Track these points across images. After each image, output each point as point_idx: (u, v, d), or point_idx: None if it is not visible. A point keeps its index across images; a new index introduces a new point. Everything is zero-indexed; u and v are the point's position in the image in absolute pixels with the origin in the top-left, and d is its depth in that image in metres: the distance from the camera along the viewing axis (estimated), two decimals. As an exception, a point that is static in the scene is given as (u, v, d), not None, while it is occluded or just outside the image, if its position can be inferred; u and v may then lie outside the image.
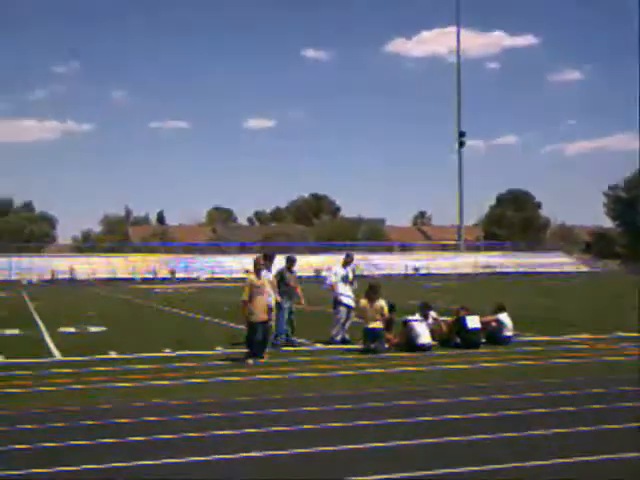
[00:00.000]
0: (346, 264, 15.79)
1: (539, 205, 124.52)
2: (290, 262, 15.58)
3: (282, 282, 14.81)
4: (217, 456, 6.53)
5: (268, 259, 14.49)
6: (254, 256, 14.04)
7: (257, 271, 13.24)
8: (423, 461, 6.38)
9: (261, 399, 9.16)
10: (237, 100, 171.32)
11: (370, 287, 14.21)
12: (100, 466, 6.27)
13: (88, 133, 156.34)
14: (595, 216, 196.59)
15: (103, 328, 19.39)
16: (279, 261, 15.33)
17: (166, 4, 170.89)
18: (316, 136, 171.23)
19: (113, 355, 13.70)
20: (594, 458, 6.36)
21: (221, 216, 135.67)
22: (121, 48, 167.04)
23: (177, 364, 12.36)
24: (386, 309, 14.02)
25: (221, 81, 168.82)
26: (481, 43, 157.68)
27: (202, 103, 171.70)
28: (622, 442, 6.95)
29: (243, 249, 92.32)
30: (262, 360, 12.63)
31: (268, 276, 13.98)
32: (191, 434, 7.36)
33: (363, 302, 14.04)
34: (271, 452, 6.67)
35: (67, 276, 69.02)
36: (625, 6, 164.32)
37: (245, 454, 6.59)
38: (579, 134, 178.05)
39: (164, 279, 70.45)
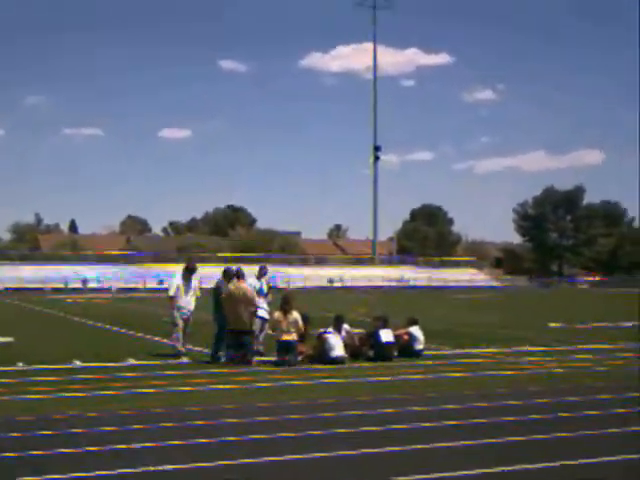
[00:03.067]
0: (260, 276, 15.78)
1: (451, 221, 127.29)
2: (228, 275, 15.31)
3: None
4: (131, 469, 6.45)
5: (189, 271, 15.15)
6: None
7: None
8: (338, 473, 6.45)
9: (179, 410, 9.07)
10: (153, 109, 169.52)
11: (284, 299, 14.20)
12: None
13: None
14: (505, 232, 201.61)
15: (10, 339, 18.84)
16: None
17: (85, 10, 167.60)
18: (232, 147, 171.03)
19: (20, 366, 13.33)
20: (493, 470, 6.56)
21: (135, 226, 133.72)
22: (36, 52, 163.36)
23: (85, 376, 12.11)
24: (300, 322, 14.07)
25: (137, 89, 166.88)
26: (397, 60, 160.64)
27: (117, 111, 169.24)
28: (528, 452, 7.18)
29: (157, 259, 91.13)
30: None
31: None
32: (115, 446, 7.25)
33: (277, 314, 14.03)
34: (194, 464, 6.63)
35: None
36: (539, 25, 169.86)
37: (167, 466, 6.53)
38: (491, 152, 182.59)
39: (76, 289, 68.89)
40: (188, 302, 15.01)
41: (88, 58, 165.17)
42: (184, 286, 15.01)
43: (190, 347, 15.23)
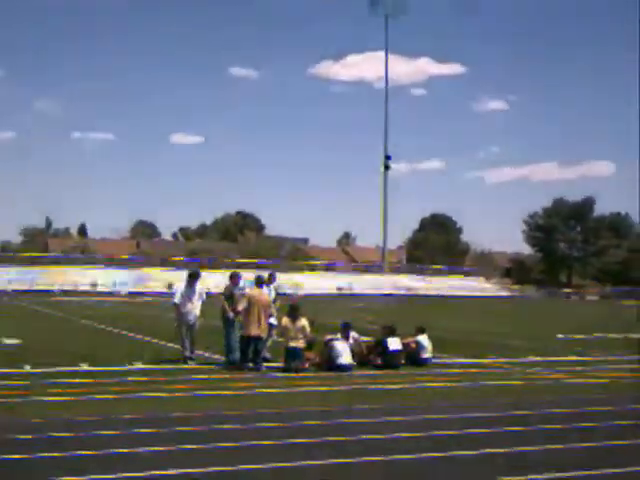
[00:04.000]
0: (269, 282, 15.78)
1: (460, 230, 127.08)
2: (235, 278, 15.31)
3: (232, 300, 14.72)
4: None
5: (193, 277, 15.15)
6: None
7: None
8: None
9: (179, 416, 9.08)
10: (164, 114, 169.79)
11: (292, 307, 14.27)
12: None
13: (8, 141, 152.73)
14: (515, 243, 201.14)
15: (18, 341, 18.88)
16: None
17: (96, 12, 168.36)
18: (242, 154, 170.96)
19: (28, 369, 13.36)
20: None
21: (145, 231, 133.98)
22: (46, 56, 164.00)
23: (92, 380, 12.12)
24: (308, 329, 14.08)
25: (148, 95, 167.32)
26: (408, 70, 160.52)
27: (128, 116, 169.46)
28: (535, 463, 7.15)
29: (166, 264, 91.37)
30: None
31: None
32: (119, 450, 7.26)
33: (285, 321, 14.07)
34: (189, 470, 6.62)
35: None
36: (552, 36, 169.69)
37: (157, 472, 6.53)
38: (502, 162, 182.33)
39: (85, 292, 69.04)
40: (193, 308, 15.07)
41: (98, 61, 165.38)
42: (188, 293, 15.10)
43: (202, 352, 15.25)
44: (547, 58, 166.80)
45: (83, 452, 7.18)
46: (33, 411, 9.29)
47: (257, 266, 78.03)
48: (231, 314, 14.41)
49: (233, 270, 16.76)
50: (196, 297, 15.13)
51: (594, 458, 7.41)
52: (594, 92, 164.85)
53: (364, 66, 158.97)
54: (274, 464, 6.87)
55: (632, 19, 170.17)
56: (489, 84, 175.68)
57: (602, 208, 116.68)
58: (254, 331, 13.89)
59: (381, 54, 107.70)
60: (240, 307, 14.13)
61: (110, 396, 10.57)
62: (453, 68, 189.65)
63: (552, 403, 10.63)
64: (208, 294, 15.48)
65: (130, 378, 12.41)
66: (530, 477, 6.60)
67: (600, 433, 8.63)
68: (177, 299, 15.08)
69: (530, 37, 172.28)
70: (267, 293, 14.69)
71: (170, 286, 69.80)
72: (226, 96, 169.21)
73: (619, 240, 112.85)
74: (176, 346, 15.83)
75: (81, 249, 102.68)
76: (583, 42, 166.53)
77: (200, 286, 15.32)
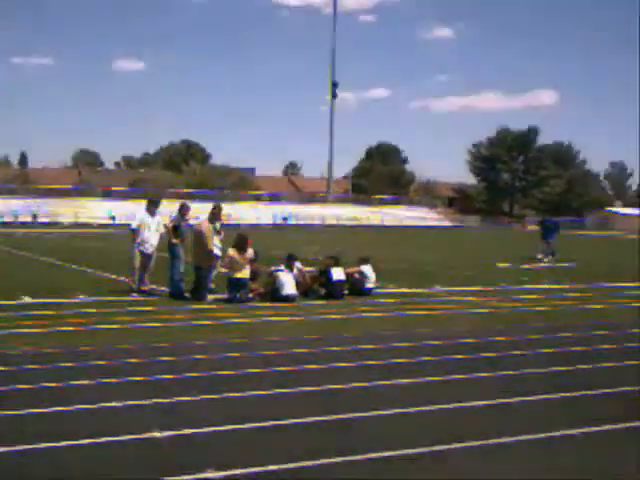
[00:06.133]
0: (214, 215, 15.67)
1: (406, 160, 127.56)
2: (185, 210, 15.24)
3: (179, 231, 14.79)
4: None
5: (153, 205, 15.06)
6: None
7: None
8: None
9: (113, 348, 9.11)
10: (106, 39, 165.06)
11: (239, 237, 14.23)
12: None
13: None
14: (459, 173, 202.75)
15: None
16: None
17: None
18: (187, 81, 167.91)
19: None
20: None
21: (87, 160, 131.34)
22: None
23: (35, 312, 12.03)
24: (253, 256, 14.23)
25: (89, 18, 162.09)
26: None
27: (69, 40, 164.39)
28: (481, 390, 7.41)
29: (109, 194, 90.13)
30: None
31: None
32: (49, 384, 7.27)
33: (231, 252, 14.01)
34: (129, 402, 6.70)
35: None
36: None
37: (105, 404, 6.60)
38: (448, 91, 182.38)
39: (25, 223, 67.84)
40: (151, 237, 14.86)
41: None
42: (148, 221, 14.83)
43: (154, 287, 15.15)
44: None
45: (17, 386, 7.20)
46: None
47: (202, 197, 77.49)
48: (175, 241, 14.48)
49: (182, 201, 16.56)
50: (154, 226, 14.89)
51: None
52: (540, 19, 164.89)
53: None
54: (204, 396, 6.99)
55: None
56: (436, 11, 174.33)
57: (546, 139, 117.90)
58: (204, 261, 14.19)
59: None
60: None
61: (40, 330, 10.51)
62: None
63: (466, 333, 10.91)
64: None
65: (70, 311, 12.32)
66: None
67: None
68: (135, 225, 14.79)
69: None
70: (209, 224, 14.66)
71: (113, 218, 69.28)
72: (169, 21, 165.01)
73: (561, 171, 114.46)
74: (118, 277, 15.65)
75: (22, 179, 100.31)
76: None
77: (159, 217, 15.13)
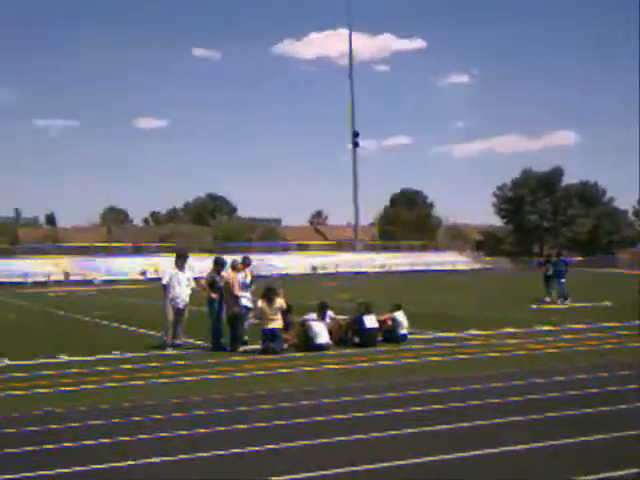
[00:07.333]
0: (244, 267, 15.77)
1: (431, 205, 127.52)
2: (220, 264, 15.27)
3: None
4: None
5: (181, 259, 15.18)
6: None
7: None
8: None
9: (160, 403, 9.14)
10: (127, 99, 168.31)
11: (267, 288, 14.35)
12: None
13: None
14: (485, 216, 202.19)
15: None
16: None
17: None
18: (210, 136, 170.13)
19: (5, 362, 13.27)
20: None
21: (116, 217, 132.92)
22: (6, 43, 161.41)
23: (72, 370, 12.11)
24: (285, 308, 14.25)
25: (111, 79, 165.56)
26: (371, 46, 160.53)
27: (92, 102, 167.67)
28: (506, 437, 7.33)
29: (139, 250, 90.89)
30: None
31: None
32: (106, 440, 7.31)
33: (261, 302, 14.12)
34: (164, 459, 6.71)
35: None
36: (511, 10, 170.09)
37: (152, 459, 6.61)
38: (468, 135, 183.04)
39: (58, 282, 68.49)
40: (182, 292, 14.86)
41: (61, 49, 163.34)
42: (177, 275, 14.87)
43: (190, 341, 15.25)
44: (507, 28, 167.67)
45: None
46: (16, 405, 9.30)
47: (230, 249, 77.88)
48: (214, 295, 14.58)
49: (217, 256, 16.50)
50: (185, 280, 14.89)
51: (582, 426, 7.61)
52: (556, 62, 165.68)
53: (327, 44, 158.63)
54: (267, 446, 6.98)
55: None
56: (451, 58, 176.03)
57: (569, 179, 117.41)
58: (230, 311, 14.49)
59: (342, 31, 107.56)
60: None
61: (89, 386, 10.57)
62: (415, 43, 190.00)
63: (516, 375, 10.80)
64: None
65: (108, 368, 12.39)
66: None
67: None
68: (165, 280, 14.82)
69: (490, 9, 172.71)
70: (239, 276, 14.91)
71: (144, 273, 69.75)
72: (189, 78, 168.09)
73: (588, 209, 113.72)
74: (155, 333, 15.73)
75: (52, 239, 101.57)
76: (543, 13, 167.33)
77: (190, 272, 15.18)
